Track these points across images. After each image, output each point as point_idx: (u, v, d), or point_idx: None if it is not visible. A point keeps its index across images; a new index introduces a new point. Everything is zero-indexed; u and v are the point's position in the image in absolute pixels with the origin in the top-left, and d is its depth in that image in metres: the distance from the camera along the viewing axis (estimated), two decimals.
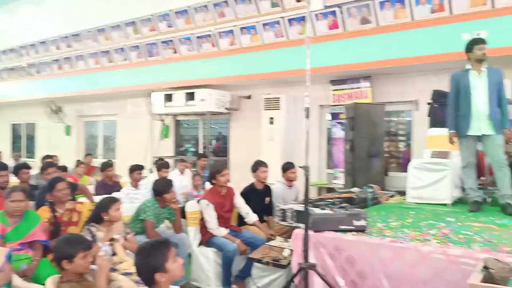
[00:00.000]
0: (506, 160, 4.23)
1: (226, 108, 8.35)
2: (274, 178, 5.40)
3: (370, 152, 6.16)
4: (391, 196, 5.21)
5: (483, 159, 4.85)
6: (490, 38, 5.08)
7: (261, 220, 4.79)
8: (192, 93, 8.21)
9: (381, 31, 6.30)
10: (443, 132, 4.64)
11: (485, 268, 2.21)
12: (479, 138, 4.29)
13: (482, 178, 4.96)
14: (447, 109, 4.45)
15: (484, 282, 2.13)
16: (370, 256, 3.04)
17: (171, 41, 8.60)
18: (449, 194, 4.61)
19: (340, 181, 7.06)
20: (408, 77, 6.70)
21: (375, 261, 3.01)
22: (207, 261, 4.33)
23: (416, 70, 6.48)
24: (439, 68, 6.10)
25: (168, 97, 8.62)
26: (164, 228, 4.70)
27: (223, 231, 4.31)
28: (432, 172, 4.74)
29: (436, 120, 5.48)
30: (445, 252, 2.76)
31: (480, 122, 4.19)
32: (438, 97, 5.50)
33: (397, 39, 6.18)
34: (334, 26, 6.66)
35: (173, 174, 6.61)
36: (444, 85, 4.62)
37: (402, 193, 5.09)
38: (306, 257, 3.15)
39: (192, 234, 4.50)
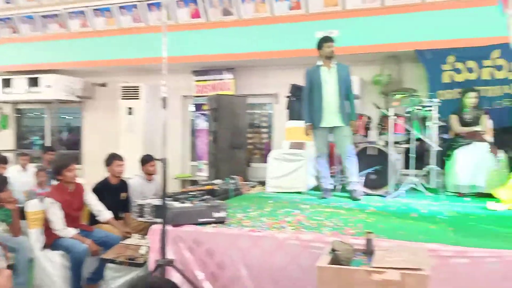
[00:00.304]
0: (353, 150, 4.67)
1: (77, 96, 7.69)
2: (133, 172, 5.12)
3: (233, 143, 6.27)
4: (253, 187, 5.36)
5: (334, 149, 5.29)
6: (341, 37, 5.57)
7: (117, 217, 4.49)
8: (36, 79, 7.39)
9: (243, 24, 6.44)
10: (300, 124, 4.92)
11: (332, 250, 2.35)
12: (331, 130, 4.65)
13: (333, 167, 5.41)
14: (303, 103, 4.73)
15: (331, 264, 2.27)
16: (229, 247, 3.05)
17: (9, 18, 7.58)
18: (304, 182, 4.92)
19: (204, 173, 7.05)
20: (269, 70, 6.98)
21: (234, 252, 3.03)
22: (52, 265, 3.89)
23: (276, 64, 6.79)
24: (297, 63, 6.45)
25: (6, 82, 7.64)
26: (0, 232, 4.11)
27: (71, 232, 3.92)
28: (290, 162, 5.00)
29: (294, 113, 5.80)
30: (299, 237, 2.90)
31: (331, 115, 4.54)
32: (295, 91, 5.84)
33: (259, 32, 6.39)
34: (196, 15, 6.59)
35: (13, 170, 5.87)
36: (302, 80, 4.92)
37: (264, 183, 5.28)
38: (163, 253, 3.02)
39: (34, 236, 4.01)
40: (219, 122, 6.10)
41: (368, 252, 2.45)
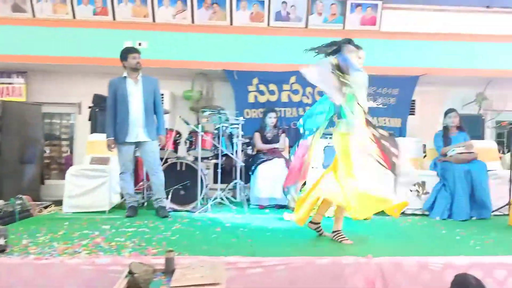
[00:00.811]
0: (160, 166, 4.59)
1: None
2: None
3: (23, 157, 5.52)
4: (46, 207, 4.79)
5: (141, 165, 5.13)
6: (150, 49, 5.51)
7: None
8: None
9: (38, 24, 5.82)
10: (103, 137, 4.62)
11: (129, 273, 2.22)
12: (137, 144, 4.49)
13: (139, 183, 5.24)
14: (106, 115, 4.46)
15: (129, 287, 2.14)
16: (8, 279, 2.62)
17: None
18: (107, 200, 4.63)
19: None
20: (71, 77, 6.45)
21: (16, 283, 2.62)
22: None
23: (80, 72, 6.31)
24: (103, 72, 6.11)
25: None
26: None
27: None
28: (90, 179, 4.64)
29: (97, 125, 5.44)
30: (94, 262, 2.67)
31: (136, 129, 4.39)
32: (99, 101, 5.49)
33: (57, 35, 5.90)
34: None
35: None
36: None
37: (60, 202, 4.76)
38: None
39: None
40: (4, 133, 5.28)
41: (168, 271, 2.39)
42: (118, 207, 4.87)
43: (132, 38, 5.71)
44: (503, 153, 6.04)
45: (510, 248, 3.24)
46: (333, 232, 3.46)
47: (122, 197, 4.81)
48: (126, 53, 4.42)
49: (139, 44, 5.69)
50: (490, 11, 6.74)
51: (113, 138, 4.39)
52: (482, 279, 2.42)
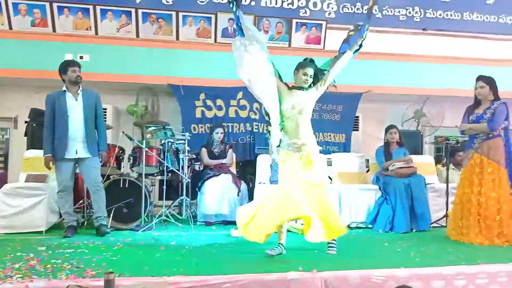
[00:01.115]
0: (101, 183, 4.45)
1: None
2: None
3: None
4: None
5: (82, 182, 4.94)
6: (92, 62, 5.37)
7: None
8: None
9: None
10: (41, 154, 4.43)
11: None
12: (77, 161, 4.34)
13: (80, 201, 5.04)
14: (44, 131, 4.29)
15: None
16: None
17: None
18: (44, 220, 4.42)
19: None
20: (6, 90, 6.14)
21: None
22: None
23: (16, 84, 6.04)
24: (41, 85, 5.86)
25: None
26: None
27: None
28: (26, 198, 4.43)
29: (34, 140, 5.21)
30: (27, 287, 2.52)
31: (76, 145, 4.26)
32: (37, 116, 5.27)
33: None
34: None
35: None
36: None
37: None
38: None
39: None
40: None
41: None
42: (56, 227, 4.67)
43: (73, 51, 5.54)
44: (443, 166, 6.37)
45: (447, 259, 3.39)
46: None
47: (60, 216, 4.61)
48: (66, 66, 4.31)
49: (81, 57, 5.53)
50: (426, 33, 7.17)
51: (51, 154, 4.22)
52: None
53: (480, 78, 4.38)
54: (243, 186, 5.41)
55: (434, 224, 5.17)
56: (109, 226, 4.48)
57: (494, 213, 4.16)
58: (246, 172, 5.96)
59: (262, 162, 5.64)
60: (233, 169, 5.79)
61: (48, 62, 5.47)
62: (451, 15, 7.11)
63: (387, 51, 6.84)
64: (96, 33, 5.82)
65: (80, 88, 4.36)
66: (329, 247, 3.56)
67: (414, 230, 4.95)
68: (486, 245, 4.05)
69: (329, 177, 5.80)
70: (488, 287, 3.00)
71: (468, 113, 4.47)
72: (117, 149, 5.07)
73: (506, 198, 4.19)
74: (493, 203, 4.16)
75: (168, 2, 6.08)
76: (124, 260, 3.24)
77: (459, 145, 5.60)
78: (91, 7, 5.74)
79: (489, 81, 4.33)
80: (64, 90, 4.29)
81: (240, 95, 6.45)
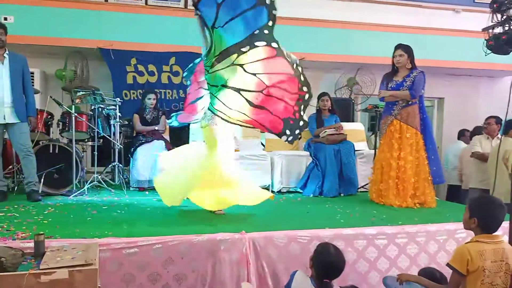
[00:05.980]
0: (31, 148, 4.58)
1: None
2: None
3: None
4: None
5: (11, 148, 5.03)
6: (17, 24, 5.33)
7: None
8: None
9: None
10: None
11: None
12: (5, 126, 4.44)
13: (9, 166, 5.14)
14: None
15: None
16: None
17: None
18: None
19: None
20: None
21: None
22: None
23: None
24: None
25: None
26: None
27: None
28: None
29: None
30: None
31: (4, 110, 4.35)
32: None
33: None
34: None
35: None
36: None
37: None
38: None
39: None
40: None
41: (38, 254, 2.52)
42: None
43: None
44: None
45: (369, 221, 3.74)
46: None
47: None
48: None
49: (5, 19, 5.43)
50: (359, 1, 7.43)
51: None
52: (343, 249, 2.90)
53: (399, 46, 4.68)
54: None
55: (362, 189, 5.59)
56: (40, 192, 4.63)
57: (411, 176, 4.55)
58: (179, 139, 6.17)
59: (195, 129, 5.82)
60: (166, 135, 6.00)
61: None
62: None
63: (320, 18, 7.04)
64: None
65: (6, 52, 4.38)
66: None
67: (342, 195, 5.34)
68: (404, 207, 4.47)
69: (262, 144, 6.26)
70: (407, 246, 3.38)
71: (386, 80, 4.78)
72: (45, 114, 5.15)
73: (422, 161, 4.60)
74: (410, 166, 4.54)
75: None
76: (55, 223, 3.43)
77: None
78: None
79: (407, 50, 4.64)
80: None
81: (172, 60, 6.54)
